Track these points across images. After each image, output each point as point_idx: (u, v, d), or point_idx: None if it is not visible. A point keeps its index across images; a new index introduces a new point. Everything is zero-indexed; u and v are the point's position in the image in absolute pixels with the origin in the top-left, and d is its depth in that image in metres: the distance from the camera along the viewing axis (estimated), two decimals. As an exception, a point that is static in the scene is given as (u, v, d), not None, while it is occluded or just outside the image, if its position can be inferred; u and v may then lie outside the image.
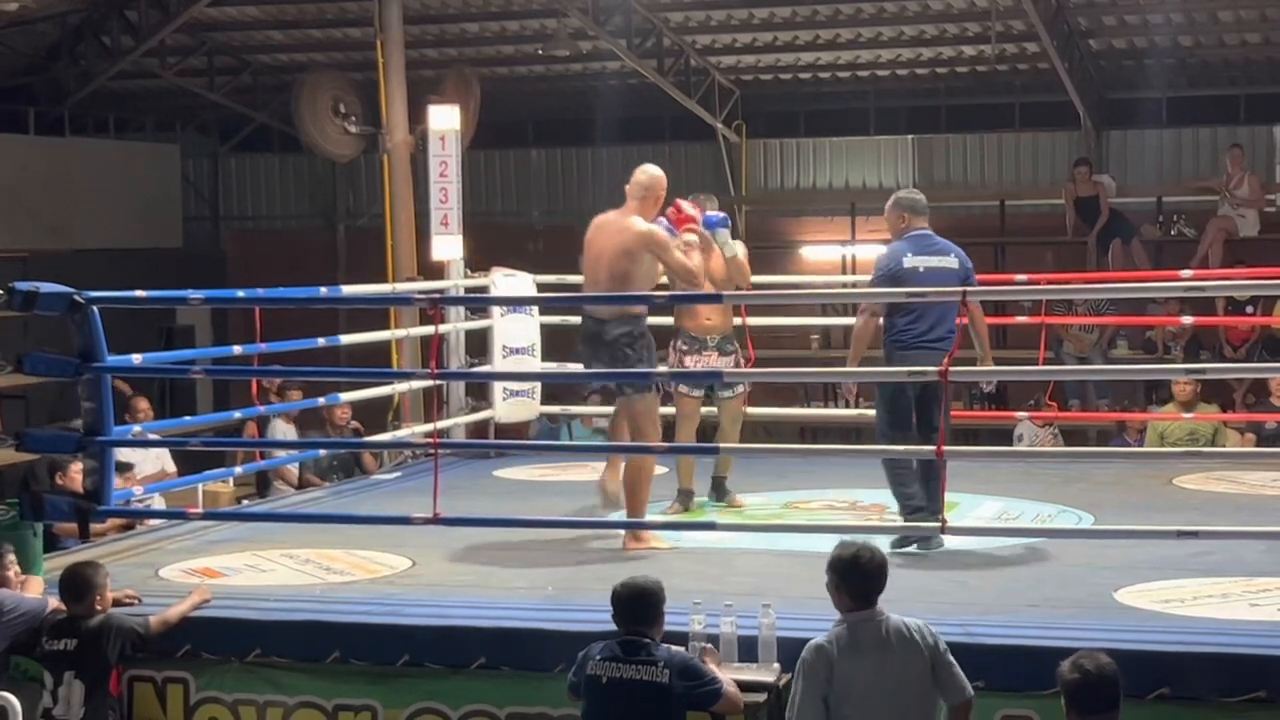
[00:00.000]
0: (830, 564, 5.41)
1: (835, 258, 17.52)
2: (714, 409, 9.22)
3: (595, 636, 5.76)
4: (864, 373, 7.78)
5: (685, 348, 9.06)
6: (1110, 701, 4.70)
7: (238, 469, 10.47)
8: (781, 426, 14.57)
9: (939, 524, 6.83)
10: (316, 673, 6.49)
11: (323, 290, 10.19)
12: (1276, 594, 6.73)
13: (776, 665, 5.94)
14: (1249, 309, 14.79)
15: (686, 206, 8.71)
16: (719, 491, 9.15)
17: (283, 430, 12.03)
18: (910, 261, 7.81)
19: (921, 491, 7.71)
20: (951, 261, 7.88)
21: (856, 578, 5.34)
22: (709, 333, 9.02)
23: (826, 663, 5.24)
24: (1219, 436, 11.70)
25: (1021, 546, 7.78)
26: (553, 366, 11.55)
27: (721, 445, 8.93)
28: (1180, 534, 7.11)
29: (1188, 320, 13.14)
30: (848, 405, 8.23)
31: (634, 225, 8.07)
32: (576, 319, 12.42)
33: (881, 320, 7.87)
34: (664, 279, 8.54)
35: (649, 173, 8.30)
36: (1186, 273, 11.65)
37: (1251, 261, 14.42)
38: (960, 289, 7.51)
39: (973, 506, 8.87)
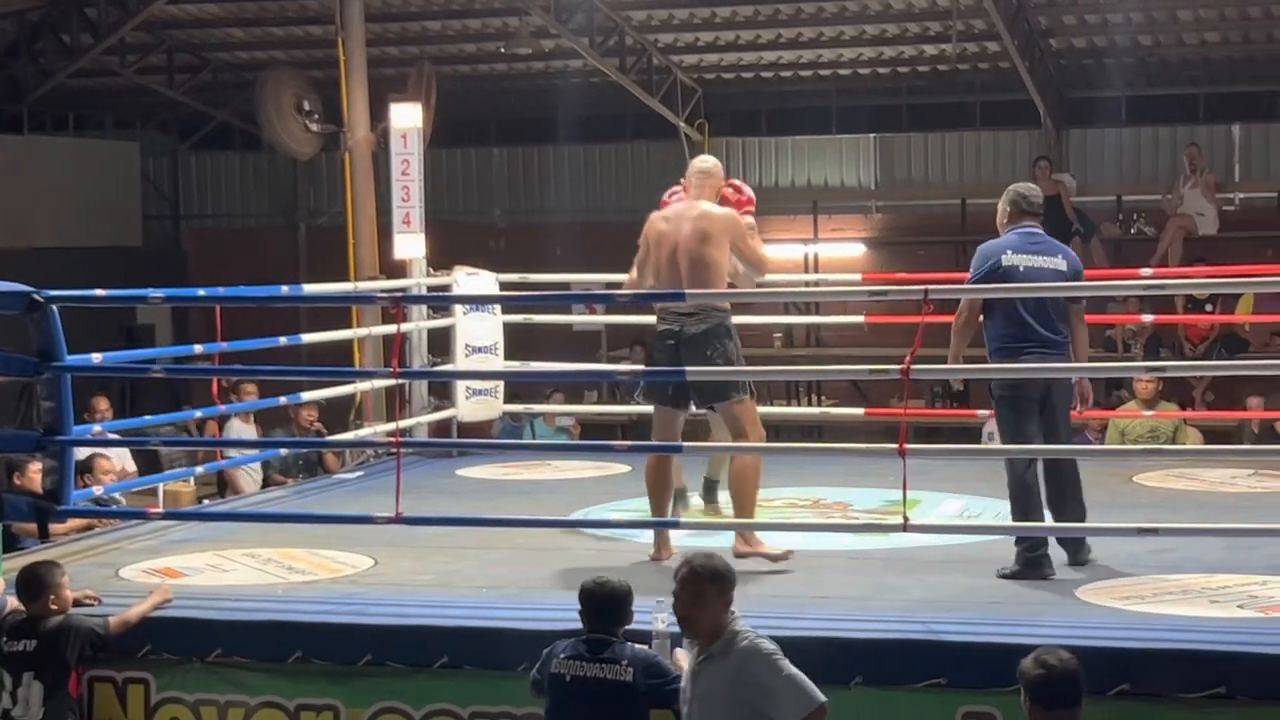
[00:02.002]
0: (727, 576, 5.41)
1: (797, 256, 17.56)
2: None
3: (558, 635, 5.76)
4: (829, 371, 7.78)
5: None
6: (1072, 698, 4.72)
7: (199, 468, 10.42)
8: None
9: (901, 521, 6.84)
10: (278, 673, 6.46)
11: (284, 289, 10.14)
12: (1236, 590, 6.78)
13: (739, 663, 5.94)
14: (1208, 307, 14.90)
15: (746, 188, 8.20)
16: (710, 494, 8.86)
17: (238, 430, 11.98)
18: (1009, 259, 7.42)
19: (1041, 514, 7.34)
20: (1060, 263, 7.47)
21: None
22: None
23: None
24: (1179, 434, 11.77)
25: (983, 544, 7.80)
26: (515, 365, 11.53)
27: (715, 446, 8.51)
28: (1141, 531, 7.14)
29: (1148, 318, 13.21)
30: (955, 398, 7.82)
31: (714, 210, 7.62)
32: (539, 317, 12.52)
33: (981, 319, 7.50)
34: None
35: (710, 160, 7.91)
36: (1146, 271, 11.72)
37: (1210, 260, 14.54)
38: (921, 287, 7.47)
39: (935, 504, 8.89)
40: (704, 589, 5.30)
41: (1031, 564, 7.12)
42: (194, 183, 20.44)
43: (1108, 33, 16.08)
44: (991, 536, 7.97)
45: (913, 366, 6.71)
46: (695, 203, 7.68)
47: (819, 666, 6.04)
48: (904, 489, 6.73)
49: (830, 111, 18.28)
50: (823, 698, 5.19)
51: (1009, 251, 7.45)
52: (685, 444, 7.66)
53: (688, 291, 7.62)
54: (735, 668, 5.12)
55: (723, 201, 7.87)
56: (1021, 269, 7.39)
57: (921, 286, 7.10)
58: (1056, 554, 7.24)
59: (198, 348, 9.39)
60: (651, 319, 8.28)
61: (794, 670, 5.19)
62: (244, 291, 9.42)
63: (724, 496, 8.65)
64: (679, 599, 5.35)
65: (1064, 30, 16.18)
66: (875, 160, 18.14)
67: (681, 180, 8.08)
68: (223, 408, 10.49)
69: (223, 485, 11.93)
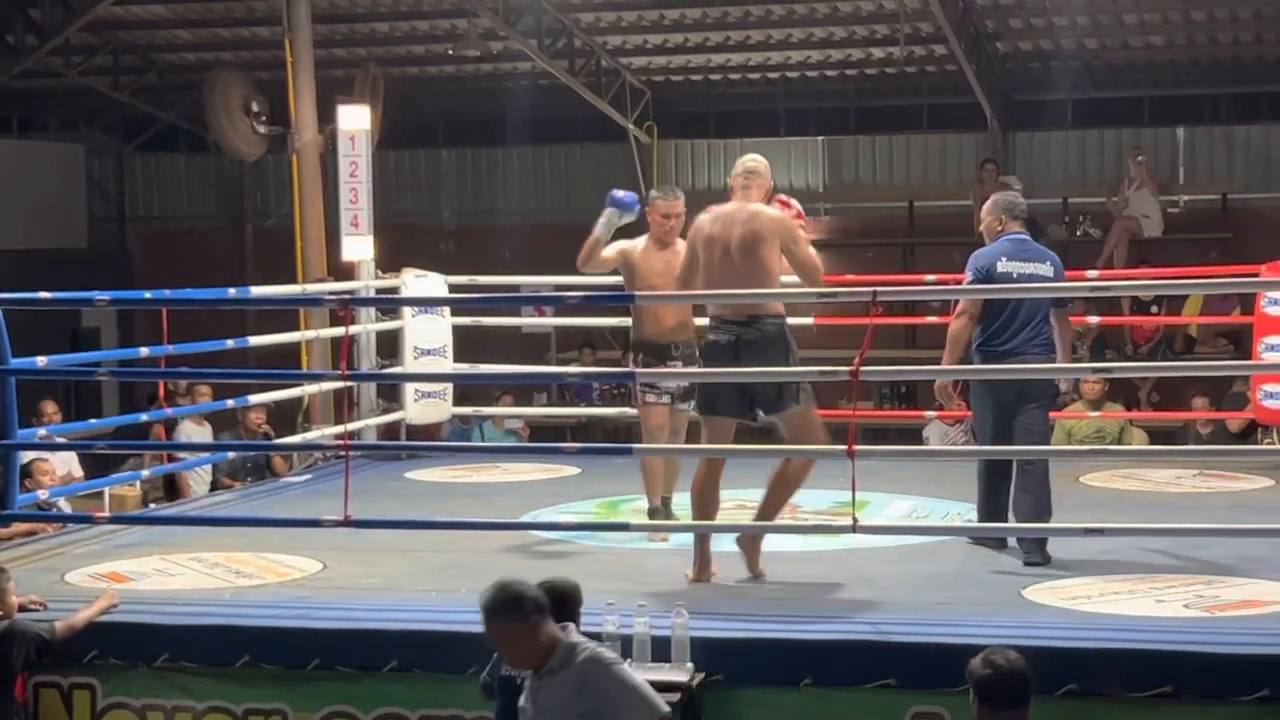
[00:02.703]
0: (534, 603, 5.11)
1: (746, 258, 17.57)
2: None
3: (508, 638, 5.74)
4: (778, 372, 7.77)
5: (647, 359, 8.25)
6: (1020, 698, 4.74)
7: (145, 472, 10.36)
8: (694, 426, 14.57)
9: (850, 523, 6.86)
10: (226, 677, 6.44)
11: (231, 291, 10.10)
12: (1181, 590, 6.83)
13: (690, 665, 5.96)
14: (1153, 309, 15.02)
15: (795, 203, 7.95)
16: (665, 514, 8.44)
17: (187, 433, 11.92)
18: (1005, 266, 7.63)
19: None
20: (1046, 269, 7.70)
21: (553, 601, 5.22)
22: (674, 341, 8.28)
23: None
24: (1125, 435, 11.86)
25: (932, 545, 7.84)
26: (464, 367, 11.51)
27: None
28: (1087, 531, 7.21)
29: (1094, 320, 13.29)
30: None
31: (768, 211, 7.38)
32: (489, 320, 12.51)
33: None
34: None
35: (758, 159, 7.67)
36: (1092, 273, 11.79)
37: (1156, 262, 14.65)
38: (870, 289, 7.51)
39: (883, 505, 8.92)
40: (506, 631, 5.05)
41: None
42: (139, 184, 20.29)
43: (1054, 36, 16.17)
44: (940, 537, 8.04)
45: (861, 368, 6.73)
46: (745, 204, 7.42)
47: (769, 667, 6.08)
48: (853, 490, 6.76)
49: (778, 114, 18.32)
50: (666, 708, 5.05)
51: (1003, 258, 7.69)
52: (634, 446, 7.64)
53: (638, 294, 7.61)
54: (578, 680, 4.95)
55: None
56: (1015, 275, 7.64)
57: (870, 289, 7.14)
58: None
59: (144, 350, 9.33)
60: (603, 320, 8.31)
61: (637, 679, 5.04)
62: (191, 294, 9.38)
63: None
64: (498, 650, 5.18)
65: (1010, 34, 16.27)
66: (823, 163, 18.18)
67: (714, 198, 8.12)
68: (169, 411, 10.44)
69: (170, 489, 11.86)
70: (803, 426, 7.38)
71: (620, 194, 8.49)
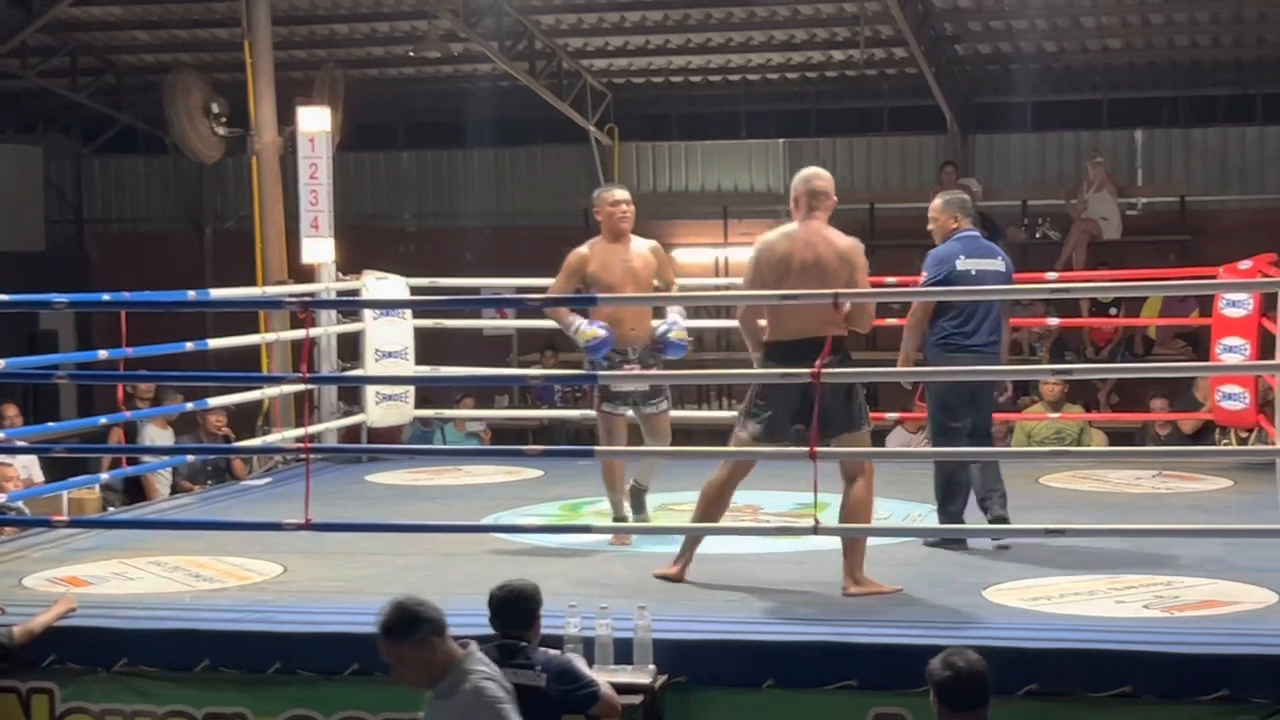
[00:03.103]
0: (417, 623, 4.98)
1: (708, 260, 17.61)
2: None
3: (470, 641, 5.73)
4: (740, 375, 7.78)
5: (607, 363, 8.06)
6: (980, 698, 4.76)
7: (104, 475, 10.30)
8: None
9: (812, 524, 6.87)
10: (186, 681, 6.40)
11: (190, 294, 10.06)
12: (1141, 590, 6.86)
13: (652, 667, 5.96)
14: (1112, 310, 15.10)
15: None
16: (638, 503, 8.46)
17: (151, 436, 11.86)
18: (963, 264, 7.82)
19: (961, 510, 7.86)
20: (999, 264, 7.93)
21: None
22: (632, 343, 8.13)
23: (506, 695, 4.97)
24: (1084, 436, 11.91)
25: (893, 546, 7.85)
26: (426, 370, 11.48)
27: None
28: (1047, 532, 7.24)
29: (1053, 322, 13.36)
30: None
31: (842, 238, 7.17)
32: (450, 322, 12.47)
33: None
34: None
35: (828, 178, 7.35)
36: (1052, 275, 11.84)
37: (1114, 264, 14.73)
38: (831, 290, 7.50)
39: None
40: (397, 651, 4.96)
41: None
42: (98, 186, 20.17)
43: (1013, 39, 16.24)
44: (901, 538, 8.06)
45: (822, 370, 6.74)
46: (819, 225, 7.18)
47: (731, 669, 6.09)
48: (815, 492, 6.77)
49: (739, 116, 18.34)
50: None
51: (961, 256, 7.86)
52: (596, 449, 7.64)
53: (598, 296, 7.61)
54: (458, 712, 4.90)
55: None
56: (974, 272, 7.82)
57: (831, 291, 7.14)
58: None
59: (102, 353, 9.28)
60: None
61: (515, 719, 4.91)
62: (150, 296, 9.33)
63: (651, 504, 8.67)
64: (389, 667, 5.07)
65: (970, 37, 16.33)
66: (784, 165, 18.20)
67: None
68: (128, 414, 10.38)
69: (130, 492, 11.80)
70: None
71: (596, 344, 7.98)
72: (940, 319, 7.84)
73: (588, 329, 7.90)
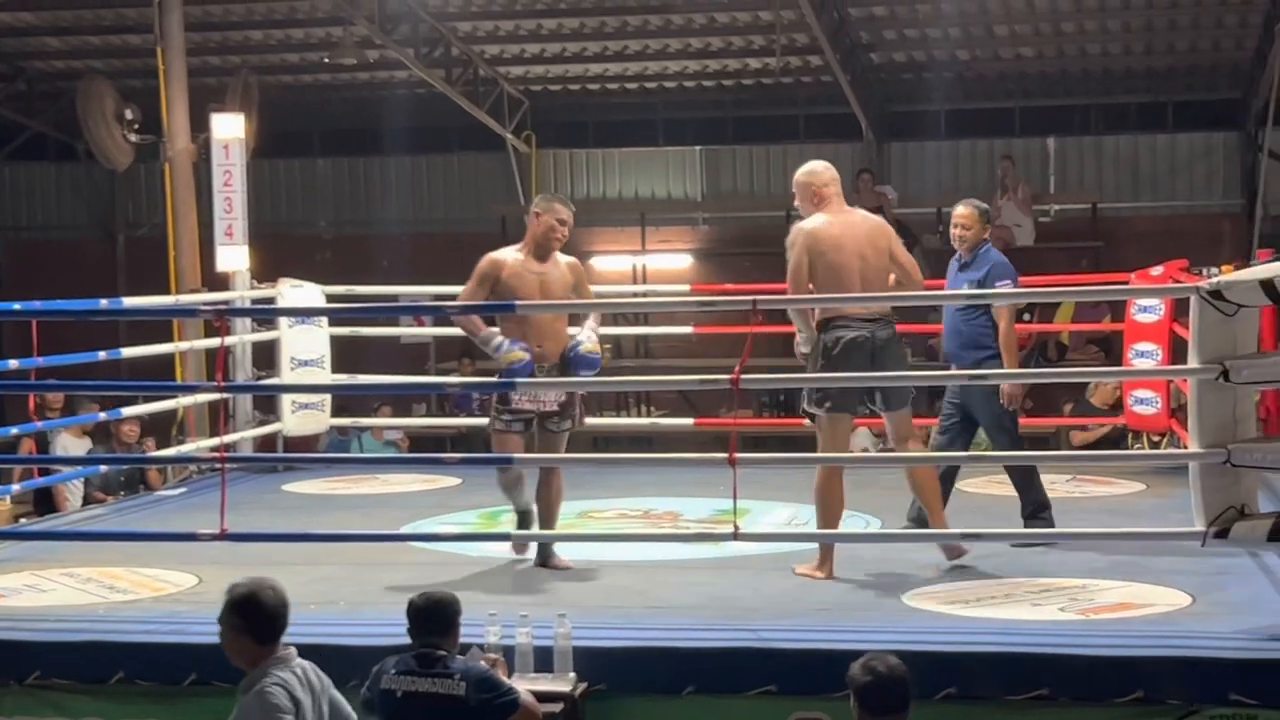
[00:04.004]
0: (229, 606, 5.01)
1: (626, 268, 17.62)
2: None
3: (388, 650, 5.69)
4: (658, 381, 7.79)
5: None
6: (900, 703, 4.78)
7: (15, 486, 10.16)
8: (573, 436, 14.58)
9: (731, 530, 6.88)
10: (100, 694, 6.33)
11: (103, 302, 9.94)
12: (1057, 593, 6.92)
13: (572, 675, 5.95)
14: (1026, 316, 15.21)
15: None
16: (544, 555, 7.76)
17: (65, 445, 11.72)
18: None
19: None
20: None
21: (262, 617, 5.02)
22: (541, 361, 7.64)
23: (294, 703, 4.91)
24: (999, 441, 11.98)
25: (812, 551, 7.87)
26: (342, 378, 11.41)
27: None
28: (964, 536, 7.29)
29: (967, 328, 13.43)
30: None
31: (874, 216, 7.85)
32: (367, 330, 12.41)
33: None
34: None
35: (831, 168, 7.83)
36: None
37: (1027, 270, 14.83)
38: (750, 298, 7.53)
39: (764, 512, 8.96)
40: (222, 630, 5.02)
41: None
42: (7, 194, 19.92)
43: (927, 48, 16.38)
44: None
45: (742, 376, 6.76)
46: (850, 208, 7.73)
47: (651, 676, 6.08)
48: (734, 498, 6.78)
49: (656, 124, 18.38)
50: None
51: None
52: (516, 456, 7.60)
53: (520, 303, 7.56)
54: (245, 711, 4.89)
55: None
56: None
57: (749, 297, 7.18)
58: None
59: (13, 363, 9.15)
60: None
61: None
62: (61, 305, 9.22)
63: (573, 511, 8.63)
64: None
65: (885, 45, 16.45)
66: (701, 172, 18.27)
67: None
68: (39, 424, 10.26)
69: (41, 503, 11.64)
70: (908, 424, 7.71)
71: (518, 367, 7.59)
72: (991, 324, 8.01)
73: (510, 350, 7.48)
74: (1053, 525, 7.95)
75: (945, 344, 8.30)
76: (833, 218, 7.55)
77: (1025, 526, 7.98)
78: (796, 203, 7.84)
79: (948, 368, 13.99)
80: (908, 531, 7.90)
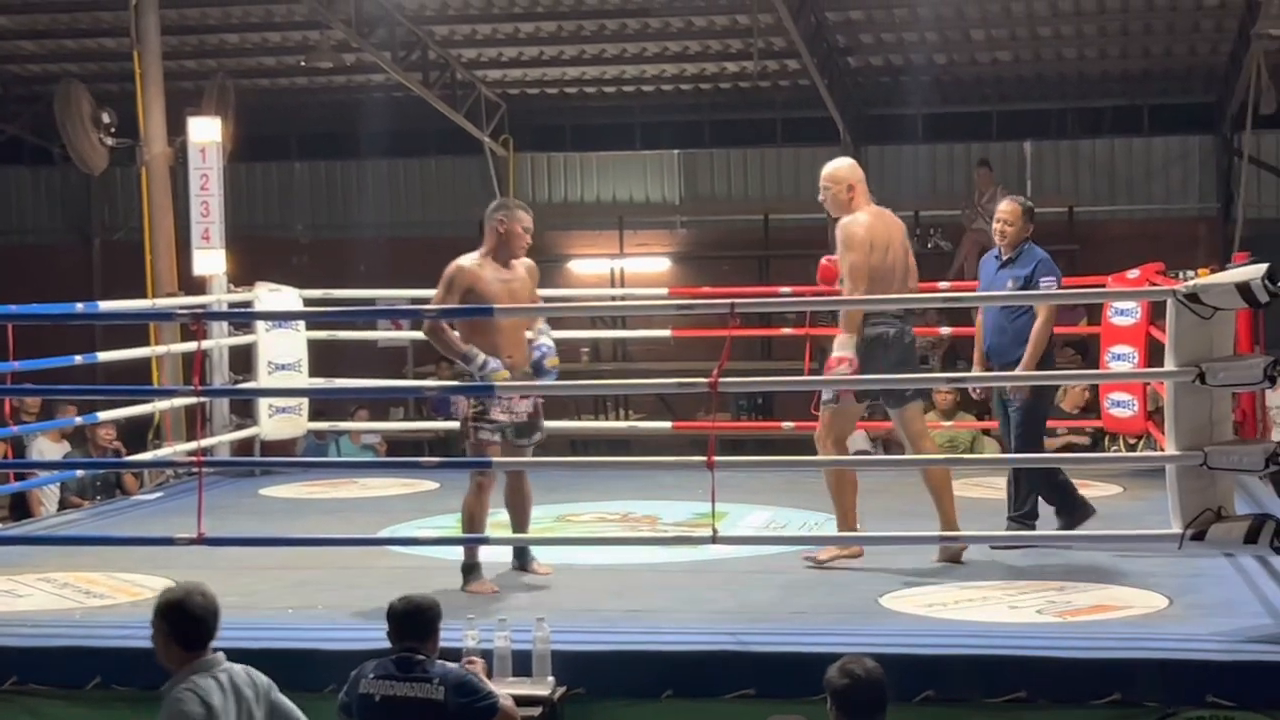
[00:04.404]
0: (157, 610, 4.99)
1: (604, 271, 17.62)
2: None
3: (367, 655, 5.69)
4: (637, 385, 7.79)
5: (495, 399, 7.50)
6: (877, 705, 4.79)
7: (-9, 491, 10.14)
8: (551, 439, 14.56)
9: (710, 534, 6.89)
10: (77, 700, 6.31)
11: (79, 306, 9.91)
12: (1034, 596, 6.94)
13: (551, 679, 5.95)
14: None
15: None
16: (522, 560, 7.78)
17: (42, 450, 11.68)
18: None
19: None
20: None
21: (187, 622, 4.99)
22: (513, 370, 7.50)
23: (205, 710, 4.87)
24: (977, 444, 12.03)
25: (790, 554, 7.89)
26: (320, 382, 11.39)
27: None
28: (942, 539, 7.31)
29: (946, 331, 13.47)
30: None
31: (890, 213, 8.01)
32: (345, 334, 12.39)
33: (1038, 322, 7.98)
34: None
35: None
36: (944, 284, 11.96)
37: (1006, 273, 14.87)
38: (727, 301, 7.52)
39: (742, 515, 8.97)
40: (156, 628, 5.00)
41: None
42: (-18, 198, 19.85)
43: (904, 51, 16.40)
44: (798, 546, 8.09)
45: (720, 379, 6.77)
46: (879, 208, 7.95)
47: (630, 680, 6.09)
48: (712, 501, 6.79)
49: (634, 128, 18.37)
50: None
51: None
52: (494, 460, 7.58)
53: (498, 308, 7.54)
54: (162, 714, 4.91)
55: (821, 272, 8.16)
56: None
57: (727, 300, 7.19)
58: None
59: (-11, 367, 9.12)
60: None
61: None
62: (37, 309, 9.19)
63: (550, 515, 8.60)
64: None
65: (862, 49, 16.47)
66: (679, 176, 18.27)
67: None
68: (15, 428, 10.22)
69: (16, 508, 11.60)
70: (919, 421, 7.97)
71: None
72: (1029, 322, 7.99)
73: (497, 369, 7.34)
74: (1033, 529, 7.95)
75: (986, 340, 8.20)
76: (873, 217, 7.78)
77: (1007, 528, 7.96)
78: (823, 197, 7.98)
79: (934, 369, 14.01)
80: (888, 535, 7.91)
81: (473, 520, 7.52)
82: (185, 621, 4.97)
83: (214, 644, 4.99)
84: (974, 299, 8.88)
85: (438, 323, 7.44)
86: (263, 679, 5.06)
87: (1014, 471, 8.19)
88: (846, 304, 7.61)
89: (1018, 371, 7.90)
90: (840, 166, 8.01)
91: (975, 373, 8.44)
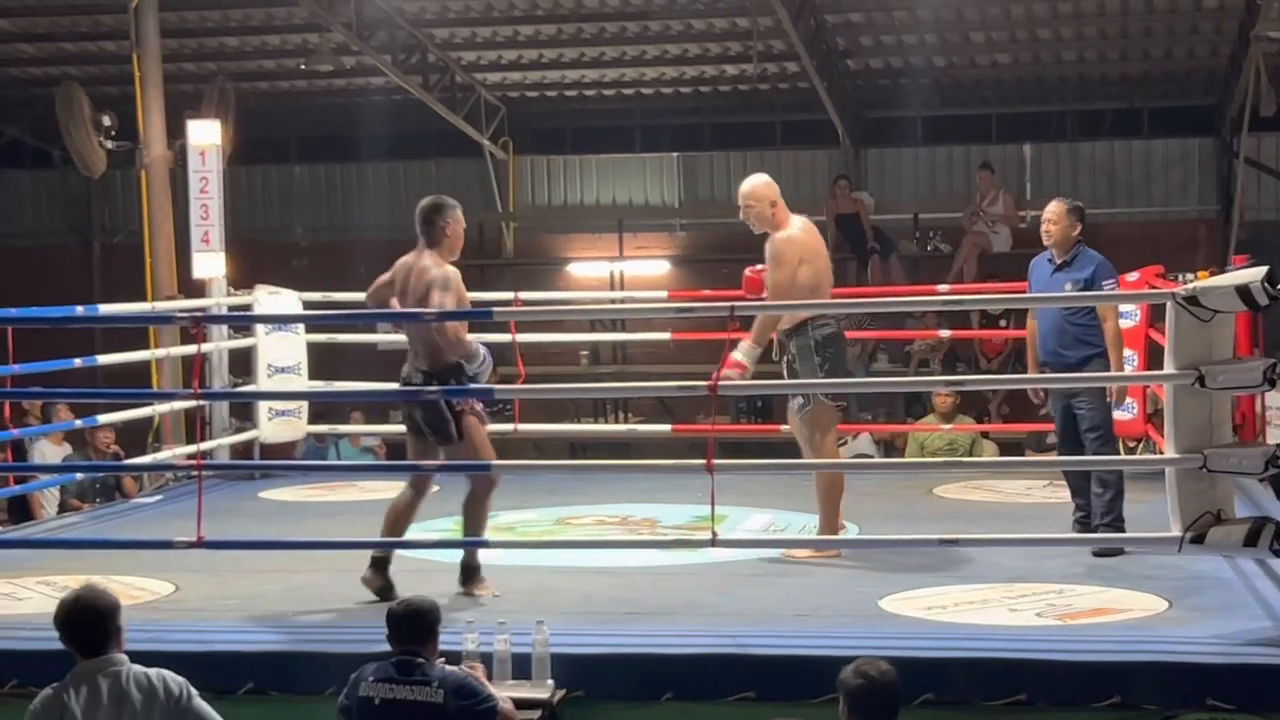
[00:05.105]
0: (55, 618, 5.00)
1: (603, 274, 17.62)
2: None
3: (366, 658, 5.68)
4: (636, 388, 7.79)
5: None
6: (890, 708, 4.79)
7: (-10, 494, 10.13)
8: (551, 442, 14.60)
9: (710, 537, 6.88)
10: (76, 703, 6.28)
11: (79, 309, 9.91)
12: (1034, 599, 6.93)
13: (550, 682, 5.95)
14: (1002, 322, 15.25)
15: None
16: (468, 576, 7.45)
17: (43, 452, 11.68)
18: None
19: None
20: None
21: (78, 626, 4.98)
22: None
23: (56, 712, 4.89)
24: (976, 447, 12.03)
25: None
26: (319, 385, 11.39)
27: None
28: (942, 542, 7.29)
29: (945, 334, 13.49)
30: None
31: None
32: (344, 336, 12.38)
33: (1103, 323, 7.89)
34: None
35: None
36: (943, 287, 11.95)
37: (1004, 276, 14.85)
38: (727, 304, 7.53)
39: (741, 518, 8.96)
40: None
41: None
42: (-18, 201, 19.86)
43: (903, 54, 16.40)
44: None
45: (719, 382, 6.76)
46: (805, 218, 8.23)
47: (629, 682, 6.08)
48: (712, 504, 6.78)
49: (634, 130, 18.38)
50: None
51: None
52: (493, 463, 7.57)
53: (497, 310, 7.55)
54: None
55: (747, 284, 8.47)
56: None
57: (727, 303, 7.18)
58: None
59: (-12, 370, 9.12)
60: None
61: None
62: (37, 312, 9.18)
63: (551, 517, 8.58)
64: None
65: (861, 51, 16.47)
66: (679, 178, 18.28)
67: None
68: (15, 432, 10.21)
69: (16, 511, 11.60)
70: (812, 428, 7.97)
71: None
72: (1095, 325, 7.91)
73: (490, 365, 7.48)
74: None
75: (1043, 343, 8.10)
76: (803, 231, 8.02)
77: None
78: (746, 215, 8.22)
79: (933, 372, 14.00)
80: (884, 538, 7.91)
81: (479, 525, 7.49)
82: (60, 628, 4.98)
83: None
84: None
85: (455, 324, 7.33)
86: (176, 685, 4.93)
87: (1086, 476, 8.05)
88: (848, 308, 7.60)
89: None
90: (760, 184, 8.18)
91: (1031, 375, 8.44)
